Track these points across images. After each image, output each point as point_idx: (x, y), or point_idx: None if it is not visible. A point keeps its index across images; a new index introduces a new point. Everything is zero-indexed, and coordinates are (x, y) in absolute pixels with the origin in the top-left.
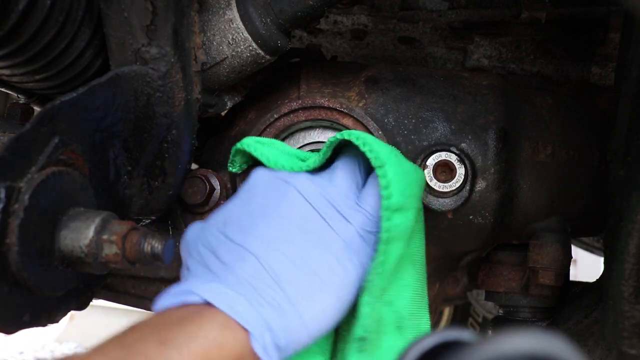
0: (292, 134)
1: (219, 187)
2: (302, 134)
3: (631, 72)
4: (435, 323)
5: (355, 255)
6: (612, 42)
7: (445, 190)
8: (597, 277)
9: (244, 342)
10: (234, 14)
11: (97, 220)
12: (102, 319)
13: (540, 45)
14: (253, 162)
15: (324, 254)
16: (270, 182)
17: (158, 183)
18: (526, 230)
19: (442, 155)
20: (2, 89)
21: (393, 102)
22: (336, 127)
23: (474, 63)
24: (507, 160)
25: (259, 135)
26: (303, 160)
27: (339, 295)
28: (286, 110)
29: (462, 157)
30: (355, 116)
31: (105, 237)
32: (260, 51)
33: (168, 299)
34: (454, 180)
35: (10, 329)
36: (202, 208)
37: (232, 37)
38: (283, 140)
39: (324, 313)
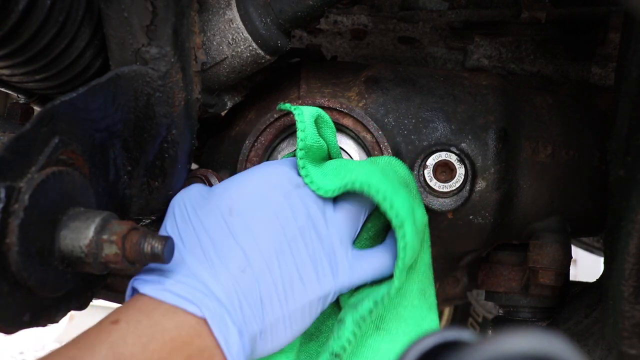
0: (292, 134)
1: None
2: None
3: (631, 72)
4: None
5: (321, 307)
6: (612, 42)
7: (445, 190)
8: (597, 277)
9: None
10: (234, 14)
11: (97, 220)
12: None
13: (540, 45)
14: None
15: (303, 297)
16: (289, 196)
17: (158, 183)
18: (526, 230)
19: (442, 155)
20: (2, 89)
21: (393, 102)
22: (336, 127)
23: (474, 63)
24: (507, 160)
25: (259, 135)
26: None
27: (295, 336)
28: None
29: (462, 157)
30: (355, 116)
31: (105, 237)
32: (260, 51)
33: (164, 294)
34: (454, 180)
35: (10, 329)
36: None
37: (232, 37)
38: (283, 140)
39: (277, 347)
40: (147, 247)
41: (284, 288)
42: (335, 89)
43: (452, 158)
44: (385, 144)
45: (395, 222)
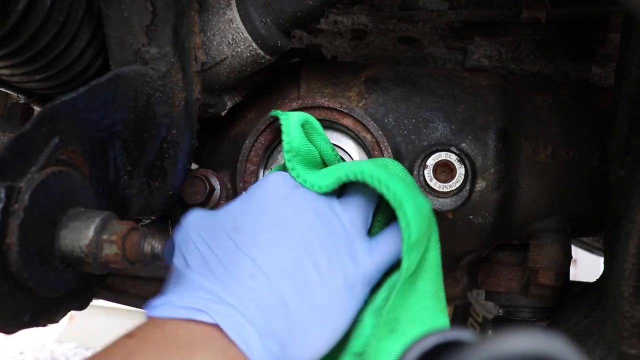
0: None
1: (219, 187)
2: None
3: (631, 72)
4: None
5: (355, 298)
6: (612, 42)
7: (445, 190)
8: (597, 277)
9: None
10: (234, 14)
11: (97, 220)
12: (102, 319)
13: (540, 45)
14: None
15: (329, 289)
16: (288, 198)
17: (158, 183)
18: (526, 230)
19: (442, 155)
20: (2, 89)
21: (393, 102)
22: (336, 127)
23: (474, 63)
24: (507, 160)
25: (259, 135)
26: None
27: (333, 336)
28: (286, 110)
29: (462, 157)
30: (355, 116)
31: (105, 237)
32: (260, 51)
33: (173, 310)
34: (454, 180)
35: (10, 329)
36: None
37: (232, 37)
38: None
39: (315, 348)
40: (147, 247)
41: (305, 283)
42: (335, 89)
43: (452, 158)
44: (385, 144)
45: (393, 202)
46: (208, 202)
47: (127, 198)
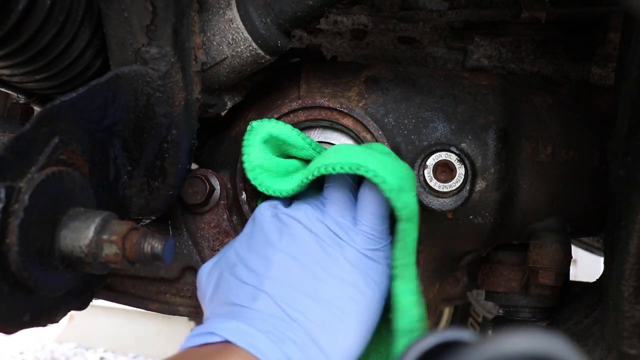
0: None
1: (219, 187)
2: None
3: (631, 72)
4: (435, 323)
5: (367, 275)
6: (612, 42)
7: (445, 190)
8: (597, 277)
9: None
10: (234, 14)
11: (97, 220)
12: (102, 319)
13: (540, 45)
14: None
15: (336, 282)
16: (273, 219)
17: (158, 183)
18: (526, 230)
19: (442, 155)
20: (2, 89)
21: (393, 102)
22: (336, 127)
23: (474, 63)
24: (507, 160)
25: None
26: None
27: (361, 320)
28: (286, 110)
29: (462, 157)
30: (355, 116)
31: (105, 237)
32: (260, 51)
33: (190, 340)
34: (454, 180)
35: (10, 329)
36: (202, 208)
37: (232, 37)
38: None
39: (346, 342)
40: (147, 247)
41: (304, 285)
42: (335, 89)
43: (452, 158)
44: (385, 143)
45: (352, 169)
46: (208, 202)
47: (127, 198)
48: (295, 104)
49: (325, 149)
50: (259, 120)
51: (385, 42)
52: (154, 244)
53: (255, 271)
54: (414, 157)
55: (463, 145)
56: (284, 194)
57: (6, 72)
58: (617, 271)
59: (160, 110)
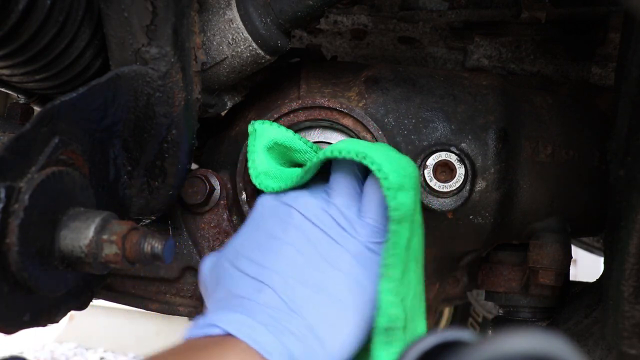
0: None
1: (219, 187)
2: (302, 134)
3: (631, 72)
4: (435, 323)
5: (369, 268)
6: (612, 42)
7: (445, 190)
8: (597, 277)
9: None
10: (234, 14)
11: (97, 220)
12: (102, 319)
13: (540, 45)
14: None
15: (338, 274)
16: (275, 209)
17: (158, 183)
18: (526, 230)
19: (442, 155)
20: (2, 89)
21: (393, 102)
22: (336, 127)
23: (474, 63)
24: (507, 160)
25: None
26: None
27: (362, 313)
28: (286, 110)
29: (462, 157)
30: (355, 116)
31: (105, 237)
32: (260, 51)
33: (191, 331)
34: (454, 180)
35: (10, 329)
36: (202, 208)
37: (232, 37)
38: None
39: (346, 334)
40: (147, 247)
41: (308, 279)
42: (335, 89)
43: (452, 158)
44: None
45: (357, 157)
46: (208, 202)
47: (127, 198)
48: (295, 104)
49: None
50: (259, 121)
51: (385, 42)
52: (154, 244)
53: (258, 263)
54: (414, 157)
55: (463, 145)
56: (289, 184)
57: (6, 72)
58: (617, 271)
59: (160, 110)
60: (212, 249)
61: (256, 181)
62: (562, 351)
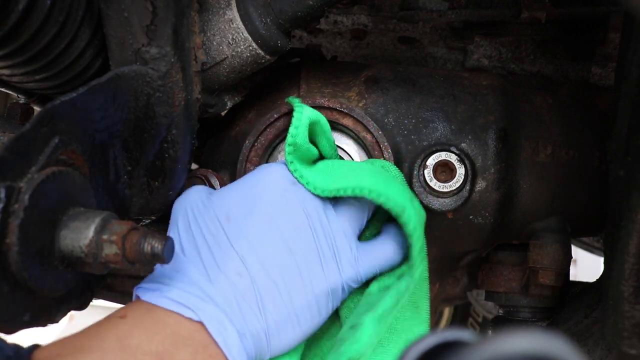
0: None
1: (219, 187)
2: None
3: (631, 72)
4: (435, 323)
5: (333, 302)
6: (612, 42)
7: (445, 190)
8: (597, 277)
9: None
10: (234, 14)
11: (97, 220)
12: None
13: (540, 45)
14: None
15: (310, 296)
16: (284, 195)
17: (158, 183)
18: (526, 230)
19: (442, 155)
20: (2, 89)
21: (393, 102)
22: (336, 127)
23: (474, 63)
24: (507, 160)
25: (259, 135)
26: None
27: (306, 333)
28: (286, 110)
29: (462, 157)
30: (355, 116)
31: (105, 237)
32: (260, 51)
33: (163, 300)
34: (454, 180)
35: (10, 329)
36: None
37: (232, 37)
38: (283, 140)
39: (286, 347)
40: (147, 247)
41: (285, 286)
42: (335, 89)
43: (452, 158)
44: (385, 144)
45: (396, 210)
46: None
47: (127, 198)
48: None
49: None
50: (297, 100)
51: (385, 42)
52: (154, 244)
53: (247, 240)
54: (414, 157)
55: (463, 145)
56: (313, 189)
57: (6, 72)
58: (617, 271)
59: (160, 110)
60: None
61: (289, 150)
62: (562, 351)
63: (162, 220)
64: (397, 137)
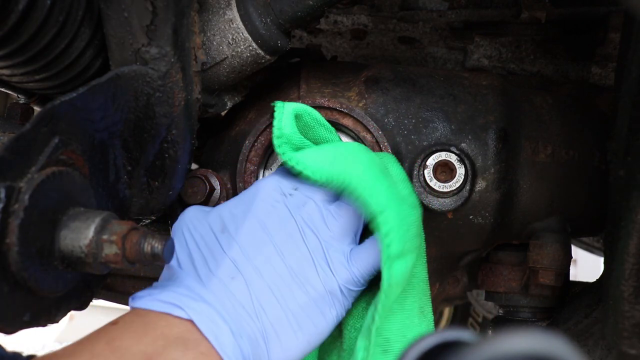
0: None
1: (219, 187)
2: None
3: (631, 72)
4: (435, 323)
5: (334, 306)
6: (612, 42)
7: (445, 190)
8: (597, 277)
9: None
10: (234, 14)
11: (97, 220)
12: (102, 319)
13: (540, 45)
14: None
15: (307, 298)
16: (275, 205)
17: (158, 183)
18: (526, 230)
19: (442, 155)
20: (2, 89)
21: (393, 102)
22: (336, 127)
23: (474, 63)
24: (507, 160)
25: (259, 135)
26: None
27: (309, 341)
28: None
29: (462, 157)
30: (355, 116)
31: (105, 237)
32: (260, 51)
33: (154, 302)
34: (454, 180)
35: (10, 329)
36: None
37: (232, 37)
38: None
39: (289, 355)
40: (147, 247)
41: (279, 289)
42: (335, 89)
43: (452, 158)
44: (385, 144)
45: (375, 210)
46: (208, 202)
47: (127, 198)
48: None
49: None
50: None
51: (385, 42)
52: (154, 244)
53: (241, 249)
54: (414, 157)
55: (463, 145)
56: (311, 173)
57: (6, 72)
58: (617, 271)
59: (160, 110)
60: None
61: (278, 143)
62: (562, 351)
63: (162, 220)
64: (397, 137)
